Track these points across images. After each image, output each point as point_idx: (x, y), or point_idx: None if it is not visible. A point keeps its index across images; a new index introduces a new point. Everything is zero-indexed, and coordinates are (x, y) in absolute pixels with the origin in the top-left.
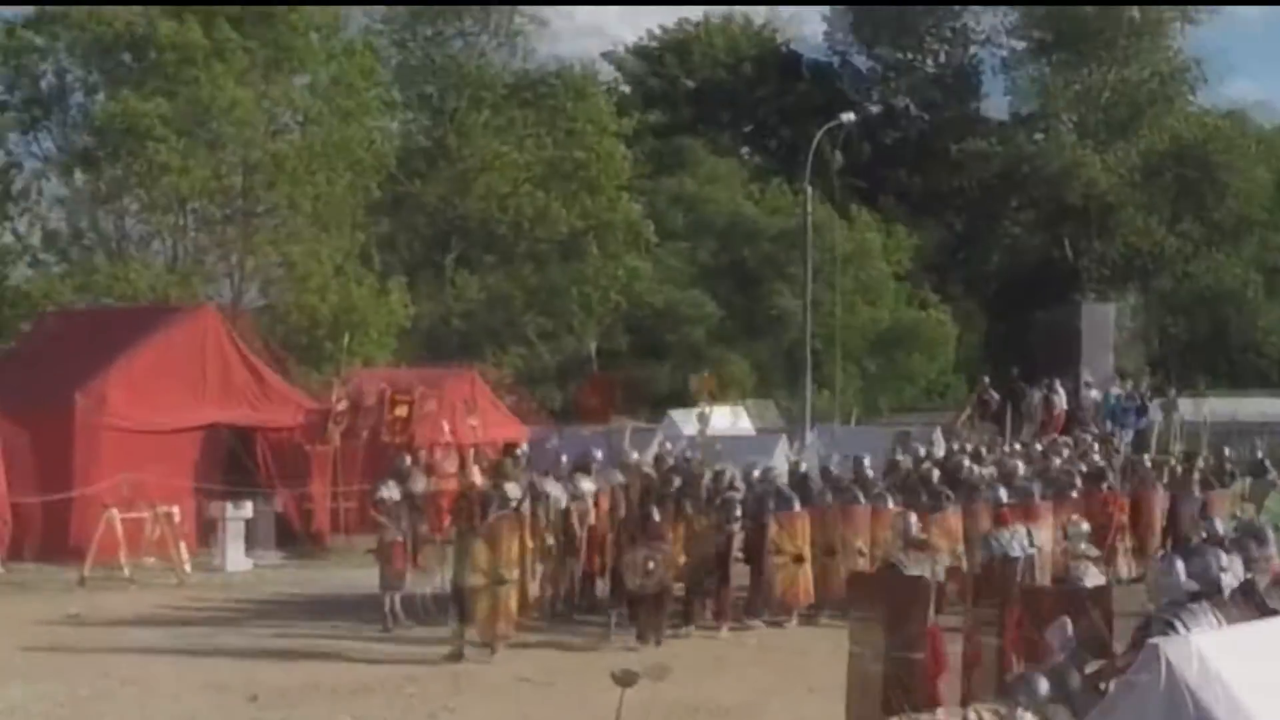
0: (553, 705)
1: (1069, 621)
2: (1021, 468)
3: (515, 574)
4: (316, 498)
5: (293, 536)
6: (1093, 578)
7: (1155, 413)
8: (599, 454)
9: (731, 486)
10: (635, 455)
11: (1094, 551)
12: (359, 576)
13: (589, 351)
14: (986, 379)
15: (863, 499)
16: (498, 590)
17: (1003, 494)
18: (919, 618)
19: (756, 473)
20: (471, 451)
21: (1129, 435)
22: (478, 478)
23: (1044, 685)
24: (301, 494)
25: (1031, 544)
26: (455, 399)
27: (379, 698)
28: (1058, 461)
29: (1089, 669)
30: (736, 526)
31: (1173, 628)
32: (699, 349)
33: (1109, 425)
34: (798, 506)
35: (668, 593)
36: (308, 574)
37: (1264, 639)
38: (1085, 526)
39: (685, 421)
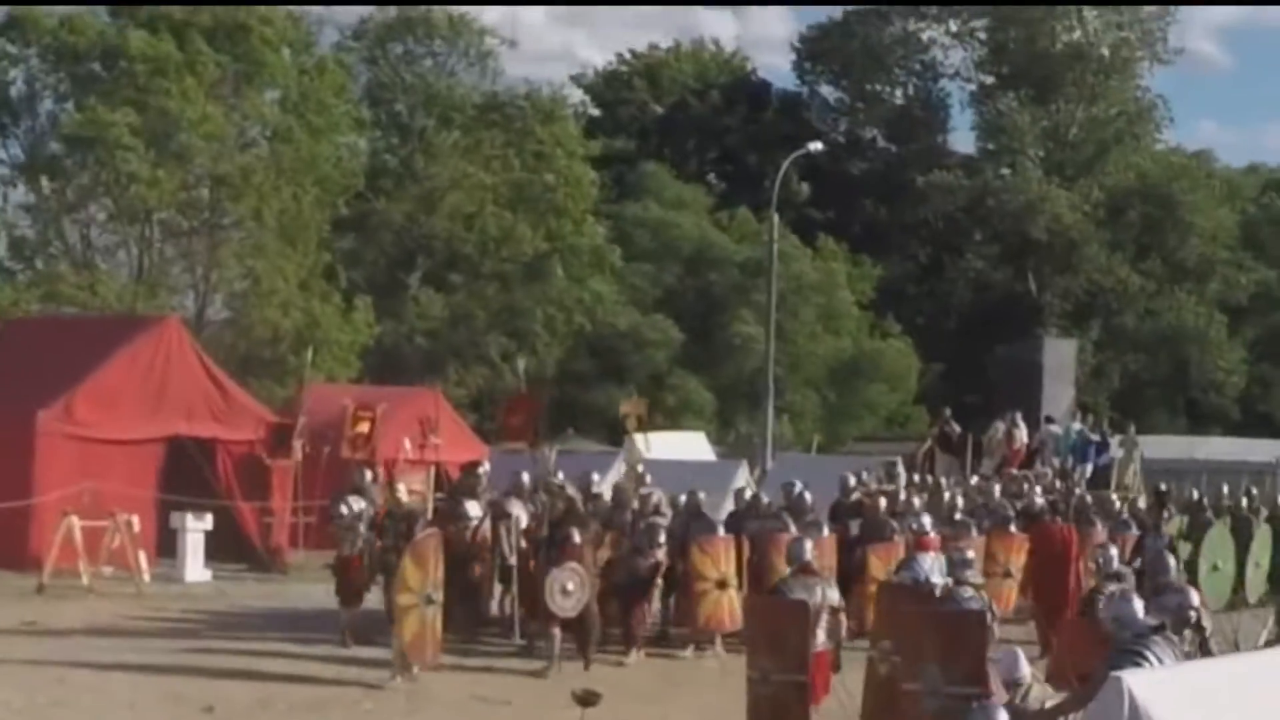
0: (510, 717)
1: (1019, 653)
2: (960, 501)
3: (441, 595)
4: (277, 512)
5: (252, 550)
6: (972, 603)
7: (1115, 449)
8: (525, 476)
9: (657, 512)
10: (559, 477)
11: (977, 579)
12: (317, 591)
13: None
14: (948, 411)
15: (791, 526)
16: (425, 611)
17: (927, 523)
18: (797, 641)
19: (683, 498)
20: (432, 469)
21: (1089, 470)
22: (405, 495)
23: (1002, 717)
24: (262, 507)
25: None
26: (417, 417)
27: (335, 713)
28: (996, 496)
29: (1050, 702)
30: (661, 553)
31: (1139, 660)
32: (660, 373)
33: (1069, 460)
34: (721, 532)
35: (590, 614)
36: (267, 588)
37: (1228, 674)
38: (970, 554)
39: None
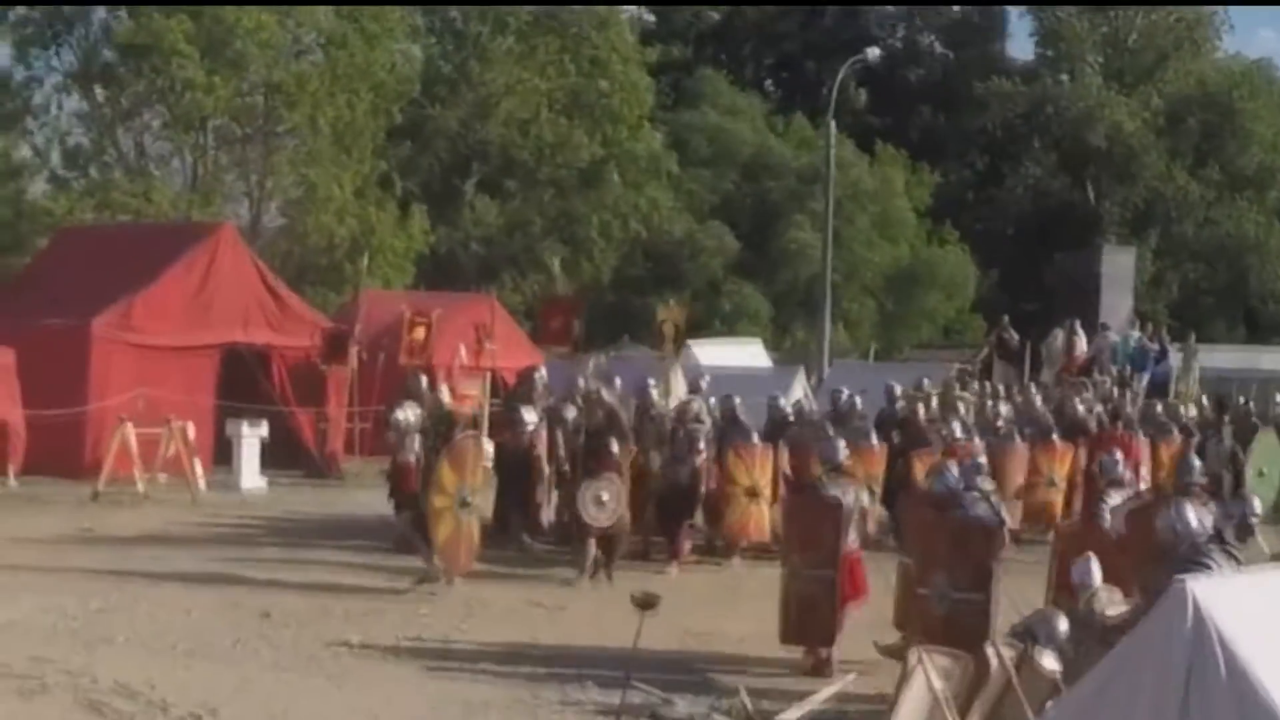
0: (564, 628)
1: (1093, 558)
2: (1002, 410)
3: (478, 499)
4: (332, 419)
5: (308, 457)
6: (980, 510)
7: (1174, 358)
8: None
9: (697, 419)
10: (596, 386)
11: (988, 485)
12: (373, 498)
13: (604, 280)
14: (1006, 319)
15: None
16: (460, 514)
17: (957, 430)
18: (830, 538)
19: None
20: (488, 376)
21: (1146, 379)
22: (447, 400)
23: (1063, 624)
24: (317, 414)
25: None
26: (473, 323)
27: (392, 619)
28: (1038, 405)
29: (1113, 610)
30: (700, 460)
31: (1203, 567)
32: (716, 280)
33: (1127, 369)
34: (755, 439)
35: (623, 528)
36: (322, 495)
37: None
38: (982, 460)
39: (703, 352)
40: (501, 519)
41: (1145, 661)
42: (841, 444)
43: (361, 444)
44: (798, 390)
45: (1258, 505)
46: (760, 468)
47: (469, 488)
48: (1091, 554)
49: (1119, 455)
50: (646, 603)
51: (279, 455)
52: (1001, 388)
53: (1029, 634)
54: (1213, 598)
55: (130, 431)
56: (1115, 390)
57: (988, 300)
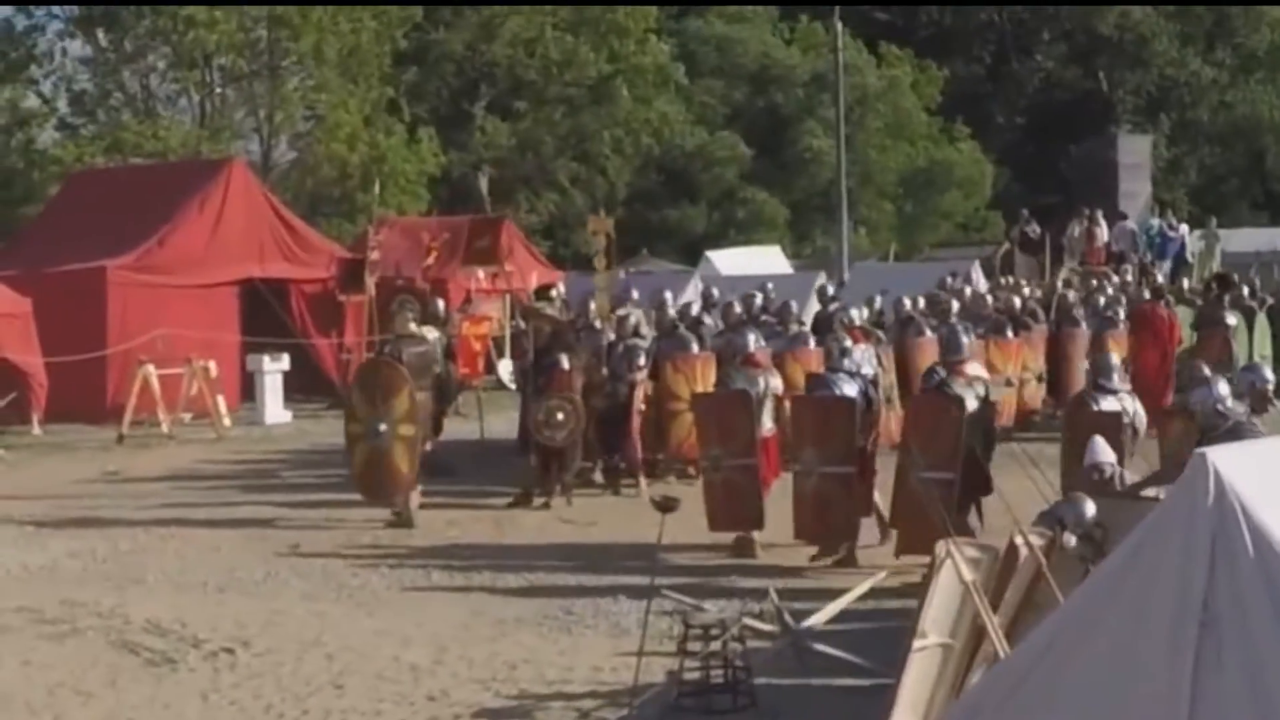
0: (594, 543)
1: (1098, 439)
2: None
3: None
4: (353, 347)
5: (331, 388)
6: (845, 389)
7: (1195, 243)
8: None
9: (637, 333)
10: (543, 303)
11: (856, 367)
12: None
13: (619, 195)
14: (1026, 212)
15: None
16: (375, 443)
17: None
18: (744, 428)
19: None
20: (506, 297)
21: (1168, 266)
22: (413, 326)
23: (1090, 509)
24: (338, 344)
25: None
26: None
27: (421, 540)
28: (989, 303)
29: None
30: (639, 375)
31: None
32: (732, 189)
33: (1149, 256)
34: (695, 349)
35: (575, 445)
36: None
37: None
38: (849, 343)
39: (722, 261)
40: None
41: (1169, 536)
42: (751, 337)
43: None
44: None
45: (1268, 373)
46: (702, 379)
47: (386, 416)
48: (1098, 436)
49: (1115, 358)
50: (667, 506)
51: (302, 387)
52: (1024, 281)
53: (1057, 520)
54: (1234, 468)
55: (152, 372)
56: (1129, 276)
57: (1005, 196)
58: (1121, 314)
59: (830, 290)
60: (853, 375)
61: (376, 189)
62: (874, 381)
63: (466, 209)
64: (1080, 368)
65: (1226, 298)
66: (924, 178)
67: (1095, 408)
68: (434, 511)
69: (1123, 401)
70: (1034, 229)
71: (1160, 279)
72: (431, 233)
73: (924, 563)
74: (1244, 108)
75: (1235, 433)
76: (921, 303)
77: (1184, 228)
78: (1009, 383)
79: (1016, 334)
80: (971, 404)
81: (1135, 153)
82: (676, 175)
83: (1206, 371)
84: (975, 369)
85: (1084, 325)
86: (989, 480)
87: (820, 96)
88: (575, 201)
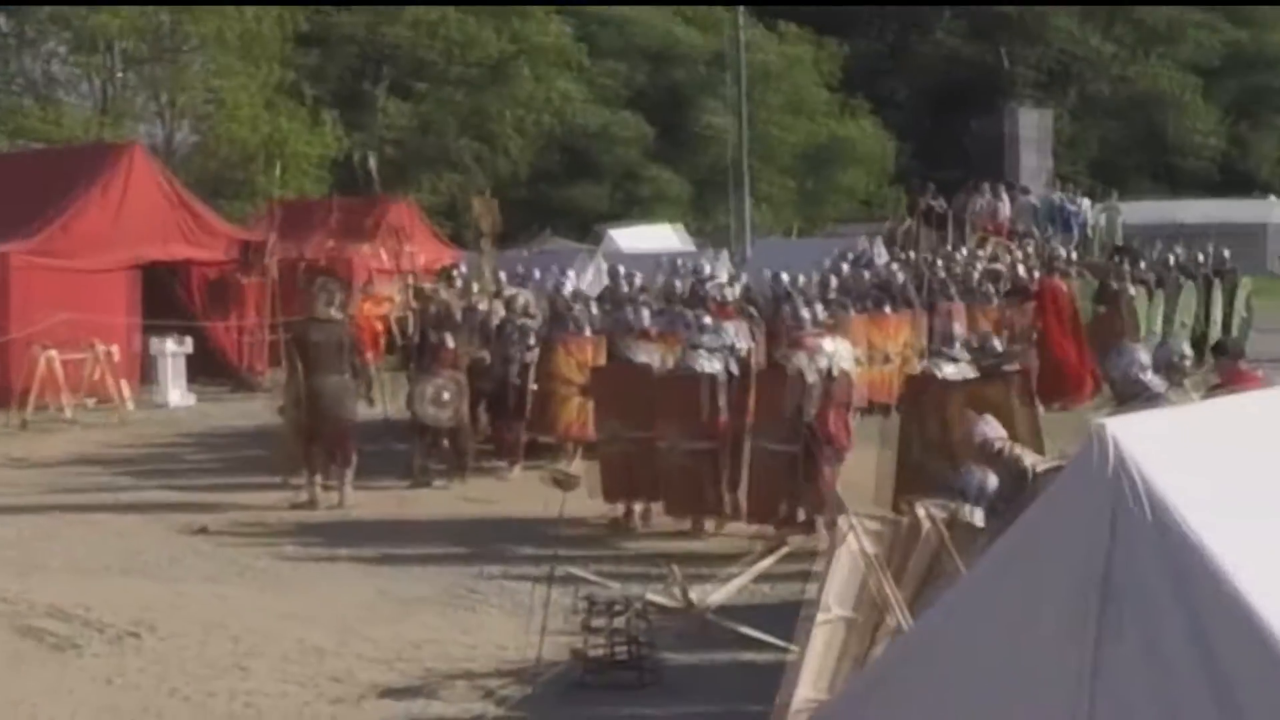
0: (495, 521)
1: (990, 416)
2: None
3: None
4: (253, 330)
5: (232, 370)
6: (705, 367)
7: (1096, 216)
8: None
9: (526, 313)
10: (444, 283)
11: (716, 341)
12: None
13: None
14: (932, 186)
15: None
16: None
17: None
18: (644, 400)
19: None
20: (409, 278)
21: (1074, 238)
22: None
23: (993, 481)
24: (239, 327)
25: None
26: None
27: (324, 521)
28: (865, 279)
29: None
30: (530, 355)
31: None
32: (633, 168)
33: (1049, 230)
34: (588, 331)
35: (465, 425)
36: (248, 406)
37: (1216, 418)
38: (707, 320)
39: (623, 238)
40: None
41: (1069, 507)
42: (646, 312)
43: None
44: (721, 271)
45: (1186, 347)
46: (593, 361)
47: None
48: (988, 416)
49: (958, 327)
50: (567, 483)
51: (203, 370)
52: (927, 255)
53: (959, 493)
54: (1133, 438)
55: (54, 358)
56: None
57: (906, 171)
58: (993, 289)
59: (701, 268)
60: (714, 352)
61: (277, 171)
62: (746, 357)
63: (362, 192)
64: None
65: (1128, 269)
66: (825, 154)
67: (938, 375)
68: (335, 493)
69: (963, 371)
70: (939, 203)
71: (1062, 252)
72: (332, 215)
73: (775, 533)
74: (1144, 82)
75: (1153, 404)
76: (802, 280)
77: (1085, 201)
78: (887, 359)
79: (896, 310)
80: (811, 377)
81: (1035, 127)
82: (578, 155)
83: (1127, 342)
84: (830, 343)
85: (958, 300)
86: (840, 452)
87: (721, 75)
88: (477, 181)
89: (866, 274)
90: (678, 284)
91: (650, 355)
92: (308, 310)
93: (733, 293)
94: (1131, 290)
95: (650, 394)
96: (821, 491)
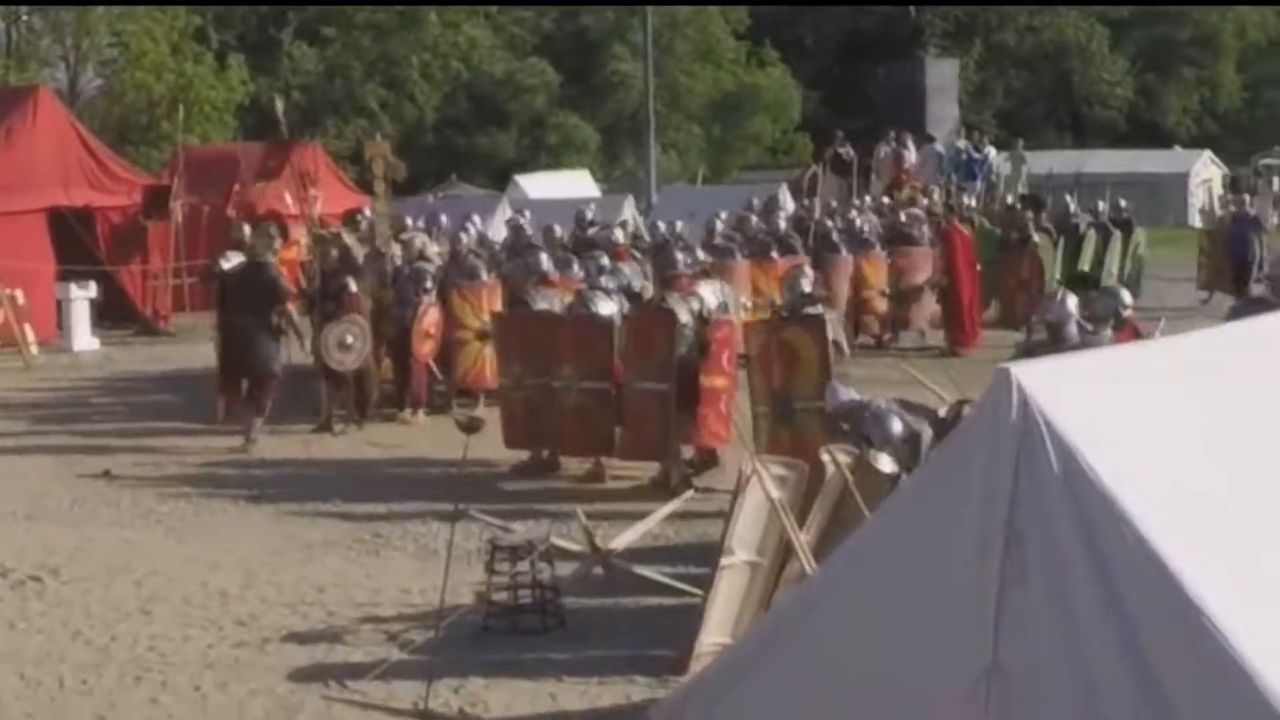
0: (403, 465)
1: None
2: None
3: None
4: (158, 275)
5: (138, 315)
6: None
7: (1002, 165)
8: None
9: (423, 257)
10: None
11: (612, 283)
12: (204, 352)
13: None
14: (841, 134)
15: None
16: None
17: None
18: (603, 352)
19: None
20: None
21: (978, 186)
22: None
23: (897, 425)
24: (144, 271)
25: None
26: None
27: (229, 466)
28: (753, 223)
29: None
30: (428, 299)
31: None
32: (541, 116)
33: (955, 178)
34: (484, 277)
35: (370, 370)
36: (154, 351)
37: (1119, 363)
38: (605, 262)
39: (531, 185)
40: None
41: (974, 452)
42: (544, 257)
43: (191, 299)
44: (626, 216)
45: (1127, 296)
46: (489, 307)
47: None
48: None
49: (809, 273)
50: (471, 426)
51: (110, 315)
52: (833, 203)
53: (864, 437)
54: (1038, 383)
55: None
56: (936, 197)
57: (813, 120)
58: (876, 240)
59: (589, 214)
60: (611, 293)
61: (181, 116)
62: (640, 296)
63: (276, 135)
64: (841, 294)
65: (1032, 217)
66: (732, 101)
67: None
68: (241, 439)
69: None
70: (847, 151)
71: (967, 200)
72: (239, 160)
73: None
74: (1050, 32)
75: (1089, 348)
76: (679, 226)
77: (991, 150)
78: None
79: (784, 257)
80: (685, 318)
81: (942, 76)
82: (486, 102)
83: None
84: (708, 286)
85: (844, 251)
86: (717, 393)
87: (629, 21)
88: (384, 127)
89: (754, 220)
90: (577, 230)
91: (551, 301)
92: (247, 253)
93: (626, 236)
94: (1036, 238)
95: (552, 339)
96: (693, 432)
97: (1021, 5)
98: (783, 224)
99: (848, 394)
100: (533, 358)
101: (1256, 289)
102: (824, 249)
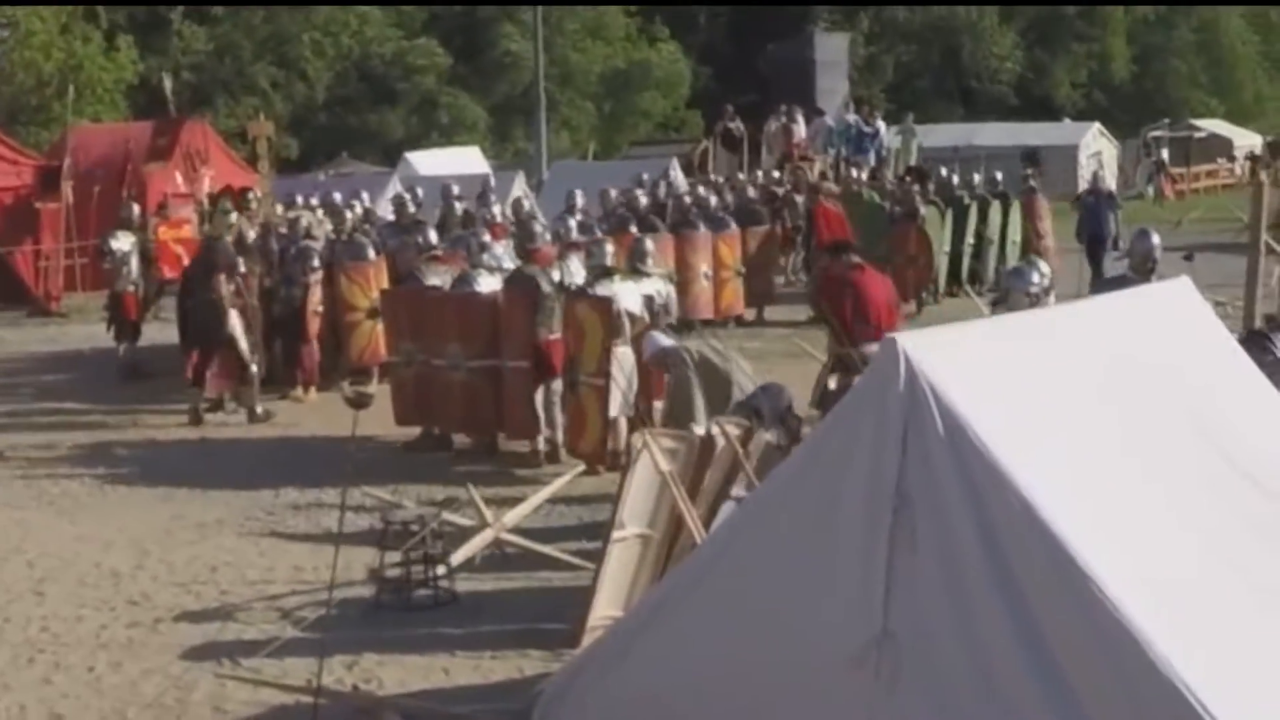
0: (296, 442)
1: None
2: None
3: None
4: (49, 255)
5: (29, 295)
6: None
7: (892, 139)
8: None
9: (308, 235)
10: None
11: (494, 263)
12: (95, 332)
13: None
14: (731, 108)
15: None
16: None
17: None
18: (487, 330)
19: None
20: (205, 201)
21: (871, 159)
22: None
23: (786, 397)
24: (36, 252)
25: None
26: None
27: (121, 446)
28: (685, 200)
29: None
30: (314, 279)
31: None
32: (432, 95)
33: (844, 152)
34: (371, 255)
35: (261, 347)
36: (46, 331)
37: (1003, 333)
38: (487, 239)
39: (422, 162)
40: None
41: (861, 421)
42: (432, 231)
43: (82, 279)
44: (517, 192)
45: (1044, 266)
46: (376, 285)
47: None
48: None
49: (650, 243)
50: (360, 402)
51: (1, 296)
52: (721, 178)
53: (753, 410)
54: (924, 353)
55: None
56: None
57: (704, 95)
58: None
59: (455, 190)
60: (494, 271)
61: (71, 96)
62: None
63: (165, 115)
64: (701, 271)
65: (918, 190)
66: (623, 78)
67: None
68: (133, 418)
69: (655, 284)
70: (737, 126)
71: (857, 173)
72: (129, 140)
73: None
74: (940, 8)
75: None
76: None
77: (881, 124)
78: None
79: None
80: (546, 287)
81: (832, 51)
82: (377, 81)
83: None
84: (573, 259)
85: (702, 228)
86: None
87: None
88: (275, 105)
89: (614, 194)
90: (458, 206)
91: (441, 277)
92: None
93: (500, 213)
94: (924, 211)
95: (439, 318)
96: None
97: None
98: (644, 200)
99: (664, 341)
100: (421, 334)
101: (1118, 266)
102: (681, 226)
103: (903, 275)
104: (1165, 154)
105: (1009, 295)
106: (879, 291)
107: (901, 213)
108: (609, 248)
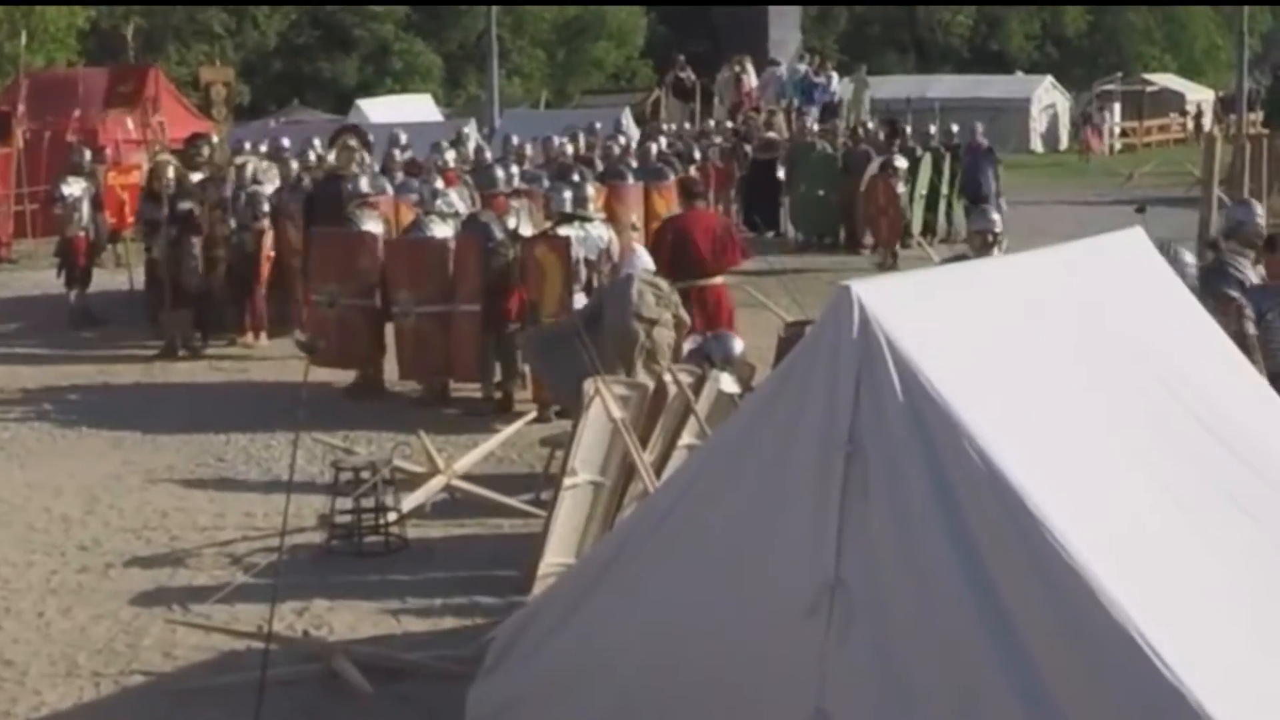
0: (246, 389)
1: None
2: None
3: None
4: (0, 201)
5: None
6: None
7: (844, 89)
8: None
9: (256, 180)
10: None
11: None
12: (46, 278)
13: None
14: (682, 58)
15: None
16: None
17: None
18: (366, 267)
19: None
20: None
21: (816, 111)
22: None
23: (739, 346)
24: None
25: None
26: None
27: (72, 392)
28: (615, 153)
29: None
30: (265, 224)
31: None
32: (387, 42)
33: (796, 101)
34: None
35: (212, 293)
36: None
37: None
38: (440, 185)
39: (374, 110)
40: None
41: (814, 369)
42: (364, 180)
43: (33, 225)
44: (475, 138)
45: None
46: None
47: None
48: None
49: (590, 189)
50: (311, 347)
51: None
52: (672, 126)
53: (705, 357)
54: (878, 301)
55: None
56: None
57: (656, 45)
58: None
59: (402, 138)
60: (446, 217)
61: (23, 40)
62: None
63: (116, 61)
64: (629, 222)
65: (896, 143)
66: (576, 26)
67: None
68: (84, 365)
69: (598, 229)
70: (688, 75)
71: (809, 123)
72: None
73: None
74: None
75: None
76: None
77: (834, 75)
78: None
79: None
80: (499, 234)
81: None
82: (330, 27)
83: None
84: (518, 204)
85: (631, 179)
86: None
87: None
88: (227, 52)
89: (568, 147)
90: (396, 153)
91: (375, 223)
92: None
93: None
94: (898, 163)
95: (372, 261)
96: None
97: None
98: (568, 150)
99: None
100: (350, 278)
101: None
102: (611, 176)
103: (877, 226)
104: (1094, 107)
105: (970, 236)
106: (702, 231)
107: (863, 161)
108: (567, 194)
